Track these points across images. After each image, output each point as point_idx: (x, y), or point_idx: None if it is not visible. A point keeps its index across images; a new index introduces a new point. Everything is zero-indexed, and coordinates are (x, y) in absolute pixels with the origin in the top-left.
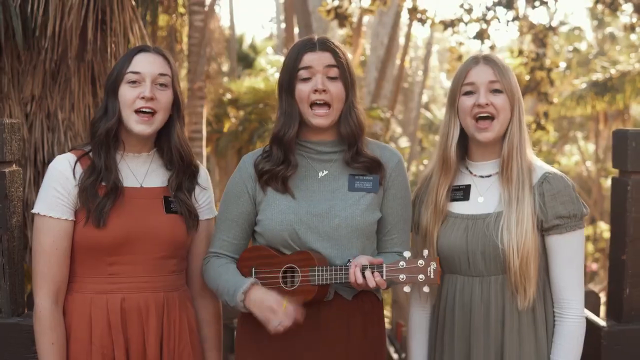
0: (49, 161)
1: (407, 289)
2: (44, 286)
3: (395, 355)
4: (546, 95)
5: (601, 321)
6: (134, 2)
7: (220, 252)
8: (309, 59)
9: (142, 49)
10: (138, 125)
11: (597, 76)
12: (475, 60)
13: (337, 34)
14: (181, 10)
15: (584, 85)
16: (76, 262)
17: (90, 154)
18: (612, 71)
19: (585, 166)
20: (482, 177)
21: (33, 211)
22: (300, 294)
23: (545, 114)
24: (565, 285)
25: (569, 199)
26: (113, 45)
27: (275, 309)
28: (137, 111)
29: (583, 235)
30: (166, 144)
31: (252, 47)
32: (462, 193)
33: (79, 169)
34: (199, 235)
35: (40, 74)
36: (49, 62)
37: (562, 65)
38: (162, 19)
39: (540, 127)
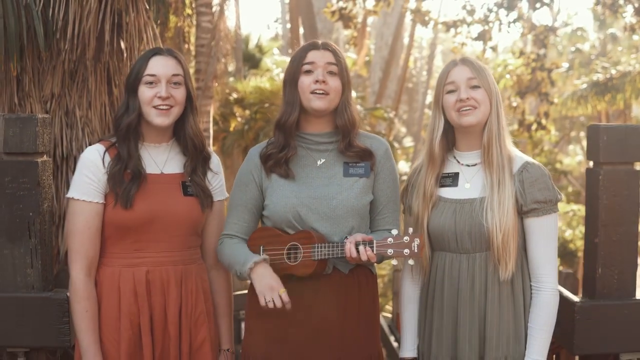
0: (68, 156)
1: (394, 262)
2: (78, 261)
3: (395, 344)
4: (547, 95)
5: (575, 297)
6: (147, 6)
7: (232, 234)
8: (312, 55)
9: (157, 52)
10: (157, 118)
11: (598, 76)
12: (454, 62)
13: (342, 35)
14: (188, 11)
15: (584, 86)
16: (106, 239)
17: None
18: (613, 71)
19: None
20: (468, 165)
21: (68, 196)
22: (302, 268)
23: (546, 114)
24: (541, 262)
25: (545, 186)
26: (128, 47)
27: (274, 288)
28: (155, 107)
29: (557, 218)
30: (182, 134)
31: (258, 47)
32: (451, 180)
33: (108, 158)
34: (212, 214)
35: (60, 73)
36: (68, 63)
37: (565, 65)
38: (170, 20)
39: (541, 126)
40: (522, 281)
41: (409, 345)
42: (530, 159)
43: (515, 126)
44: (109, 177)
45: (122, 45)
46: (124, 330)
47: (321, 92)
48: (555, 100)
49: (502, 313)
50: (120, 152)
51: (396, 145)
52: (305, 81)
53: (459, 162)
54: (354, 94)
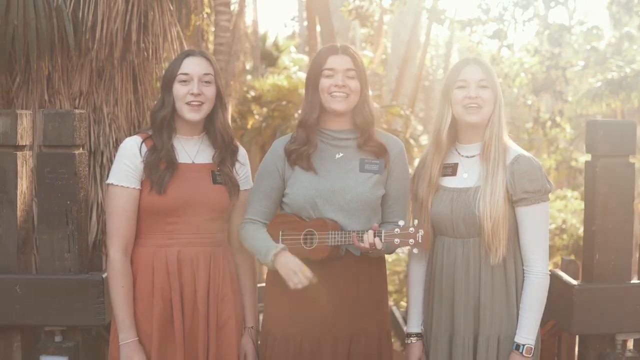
0: (95, 151)
1: (400, 250)
2: (116, 241)
3: None
4: (561, 93)
5: (573, 281)
6: (172, 7)
7: (254, 218)
8: (332, 61)
9: (190, 53)
10: (189, 114)
11: (613, 75)
12: (467, 61)
13: (359, 33)
14: (207, 10)
15: (599, 84)
16: (141, 222)
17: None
18: (627, 70)
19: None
20: (467, 157)
21: (107, 182)
22: (317, 253)
23: (560, 112)
24: (531, 247)
25: (534, 177)
26: (153, 47)
27: (296, 271)
28: (188, 103)
29: (547, 207)
30: (212, 128)
31: (275, 45)
32: (451, 170)
33: (144, 148)
34: (239, 202)
35: (88, 72)
36: (96, 62)
37: (581, 64)
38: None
39: (555, 124)
40: (515, 265)
41: (414, 322)
42: (523, 151)
43: (530, 124)
44: (145, 165)
45: (148, 44)
46: (156, 305)
47: (341, 93)
48: (570, 99)
49: (495, 294)
50: (156, 143)
51: (412, 142)
52: (326, 84)
53: (459, 153)
54: (370, 92)
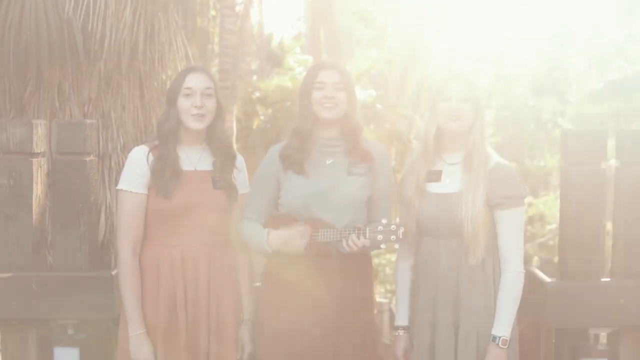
0: (103, 155)
1: (383, 245)
2: (126, 242)
3: None
4: (562, 94)
5: (547, 278)
6: (177, 17)
7: (251, 217)
8: (322, 76)
9: (192, 69)
10: (194, 124)
11: (615, 75)
12: (451, 77)
13: (364, 34)
14: (212, 12)
15: (600, 85)
16: (148, 225)
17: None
18: (629, 71)
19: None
20: (451, 164)
21: (117, 188)
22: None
23: (562, 113)
24: (507, 248)
25: (511, 183)
26: (159, 55)
27: (287, 241)
28: (192, 114)
29: (523, 210)
30: (213, 138)
31: (281, 46)
32: (436, 176)
33: (151, 157)
34: (237, 205)
35: (96, 79)
36: (104, 70)
37: (584, 64)
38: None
39: (557, 125)
40: (493, 264)
41: (401, 315)
42: (501, 159)
43: (532, 125)
44: (152, 173)
45: (154, 53)
46: (161, 300)
47: (330, 104)
48: (572, 100)
49: (474, 291)
50: (162, 152)
51: (416, 143)
52: (317, 96)
53: (443, 161)
54: (374, 92)
